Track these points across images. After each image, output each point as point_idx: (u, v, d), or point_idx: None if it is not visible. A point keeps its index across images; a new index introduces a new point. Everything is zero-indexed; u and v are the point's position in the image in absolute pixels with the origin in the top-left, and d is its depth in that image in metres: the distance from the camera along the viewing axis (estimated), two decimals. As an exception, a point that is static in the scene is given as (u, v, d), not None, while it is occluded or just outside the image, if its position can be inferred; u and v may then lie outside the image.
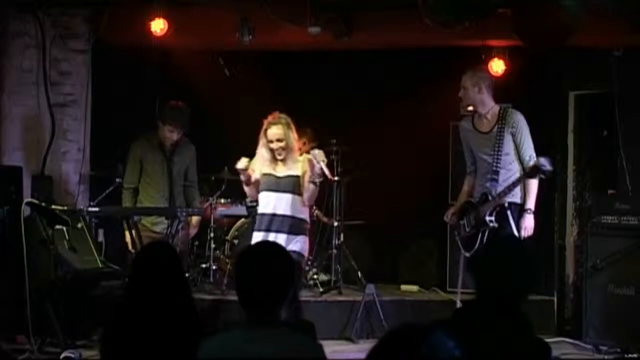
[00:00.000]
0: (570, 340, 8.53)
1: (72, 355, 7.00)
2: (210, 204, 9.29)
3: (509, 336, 3.57)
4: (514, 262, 3.68)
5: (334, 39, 8.56)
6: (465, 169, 7.78)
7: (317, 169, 6.96)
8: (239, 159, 9.94)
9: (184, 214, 7.46)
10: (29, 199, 7.83)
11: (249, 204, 9.11)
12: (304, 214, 7.18)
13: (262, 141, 7.23)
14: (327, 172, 7.05)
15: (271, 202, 7.11)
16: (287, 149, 7.11)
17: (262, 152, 7.23)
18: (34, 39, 8.63)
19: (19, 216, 7.50)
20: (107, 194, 8.56)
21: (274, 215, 7.08)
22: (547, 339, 9.16)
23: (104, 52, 8.94)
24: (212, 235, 9.28)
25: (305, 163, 7.11)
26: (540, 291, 9.27)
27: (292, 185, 7.10)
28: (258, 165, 7.25)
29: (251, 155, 9.95)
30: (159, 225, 7.87)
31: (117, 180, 8.44)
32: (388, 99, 9.77)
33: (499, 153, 7.39)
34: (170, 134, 7.97)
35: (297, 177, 7.11)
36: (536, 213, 9.33)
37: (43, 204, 7.80)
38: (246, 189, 7.30)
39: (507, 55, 9.14)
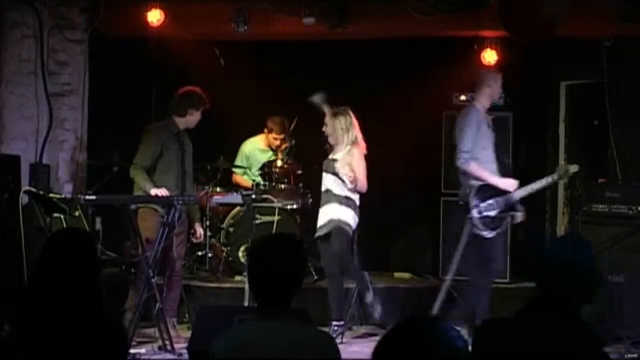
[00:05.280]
0: (561, 327, 8.62)
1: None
2: (206, 192, 9.37)
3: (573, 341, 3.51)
4: (580, 263, 3.65)
5: (328, 29, 8.64)
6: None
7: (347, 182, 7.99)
8: (234, 148, 10.10)
9: (180, 202, 7.51)
10: (27, 187, 7.87)
11: (244, 193, 9.20)
12: (348, 193, 8.09)
13: None
14: (347, 180, 7.99)
15: (325, 181, 8.20)
16: (331, 135, 8.12)
17: None
18: (31, 29, 8.66)
19: (17, 204, 7.55)
20: (104, 182, 8.65)
21: (325, 191, 8.16)
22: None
23: (100, 42, 9.00)
24: (207, 223, 9.36)
25: (347, 154, 8.08)
26: (532, 279, 9.38)
27: (334, 168, 8.06)
28: None
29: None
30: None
31: (114, 169, 8.50)
32: (381, 89, 9.82)
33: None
34: (197, 118, 8.10)
35: (336, 160, 8.07)
36: (528, 202, 9.48)
37: (41, 192, 7.85)
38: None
39: (500, 46, 9.23)
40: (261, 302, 3.67)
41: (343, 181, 8.00)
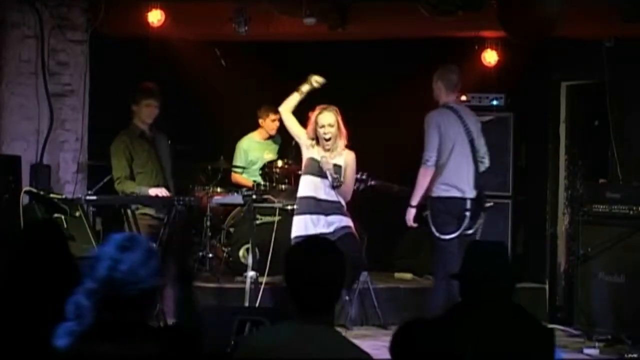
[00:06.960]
0: (562, 327, 8.62)
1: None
2: (207, 193, 9.38)
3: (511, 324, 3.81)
4: (498, 268, 4.00)
5: (329, 29, 8.64)
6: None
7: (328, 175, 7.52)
8: (234, 148, 10.11)
9: (181, 203, 7.52)
10: (28, 188, 7.87)
11: (245, 193, 9.21)
12: (338, 198, 7.70)
13: (310, 127, 7.69)
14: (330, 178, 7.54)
15: (315, 186, 7.64)
16: (334, 137, 7.62)
17: (309, 139, 7.71)
18: (32, 29, 8.67)
19: (18, 205, 7.55)
20: (104, 182, 8.64)
21: (315, 199, 7.63)
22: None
23: (101, 42, 9.01)
24: (208, 223, 9.36)
25: (348, 157, 7.69)
26: (533, 279, 9.40)
27: (333, 170, 7.58)
28: (305, 151, 7.78)
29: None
30: (162, 211, 7.89)
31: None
32: (381, 89, 9.83)
33: None
34: (150, 109, 7.96)
35: (340, 166, 7.65)
36: (528, 202, 9.50)
37: (41, 192, 7.85)
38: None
39: (500, 46, 9.23)
40: (304, 310, 3.50)
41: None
